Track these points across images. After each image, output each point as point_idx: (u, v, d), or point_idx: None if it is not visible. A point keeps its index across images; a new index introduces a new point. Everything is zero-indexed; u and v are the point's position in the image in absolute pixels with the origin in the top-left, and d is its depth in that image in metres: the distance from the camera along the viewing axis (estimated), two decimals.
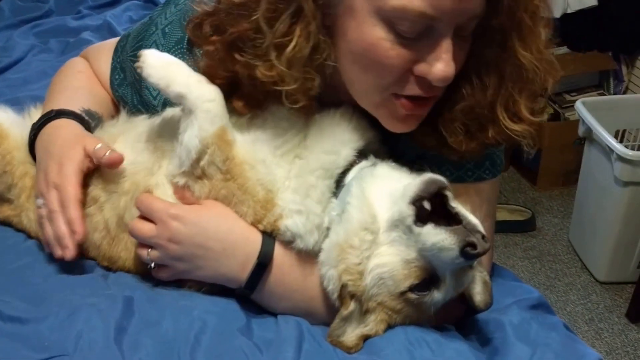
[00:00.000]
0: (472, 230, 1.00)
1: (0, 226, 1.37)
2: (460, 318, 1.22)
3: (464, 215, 1.02)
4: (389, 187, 1.11)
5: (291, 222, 1.12)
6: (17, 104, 1.53)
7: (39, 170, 1.27)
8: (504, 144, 1.23)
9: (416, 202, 1.02)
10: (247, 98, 1.17)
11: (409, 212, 1.02)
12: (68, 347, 1.01)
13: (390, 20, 1.01)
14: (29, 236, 1.33)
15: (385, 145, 1.27)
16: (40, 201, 1.24)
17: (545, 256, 3.15)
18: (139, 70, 1.15)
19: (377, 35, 1.03)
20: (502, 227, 3.20)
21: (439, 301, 1.08)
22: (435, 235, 1.00)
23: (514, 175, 3.68)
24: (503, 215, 3.26)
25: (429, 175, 1.04)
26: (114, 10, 2.52)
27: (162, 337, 1.04)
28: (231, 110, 1.19)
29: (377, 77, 1.08)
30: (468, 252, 0.99)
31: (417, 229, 1.02)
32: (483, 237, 1.00)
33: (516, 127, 1.15)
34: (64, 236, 1.18)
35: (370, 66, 1.07)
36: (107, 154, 1.21)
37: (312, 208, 1.13)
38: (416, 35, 1.03)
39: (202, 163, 1.13)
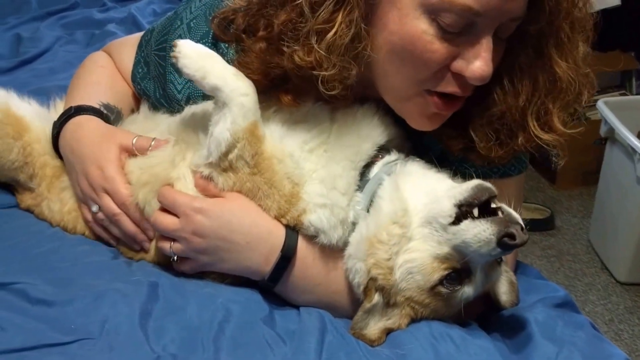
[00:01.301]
0: (512, 221, 1.00)
1: (25, 213, 1.38)
2: (480, 314, 1.22)
3: (504, 208, 1.03)
4: (424, 185, 1.11)
5: (315, 217, 1.12)
6: (44, 93, 1.54)
7: (75, 172, 1.28)
8: (534, 152, 1.21)
9: (462, 206, 1.02)
10: (294, 91, 1.17)
11: (451, 212, 1.02)
12: (94, 330, 1.01)
13: (435, 12, 1.01)
14: (51, 225, 1.34)
15: (409, 142, 1.26)
16: (95, 207, 1.25)
17: (564, 255, 3.12)
18: (173, 60, 1.14)
19: (419, 27, 1.03)
20: None
21: (469, 296, 1.08)
22: (474, 228, 1.00)
23: (532, 173, 3.64)
24: (521, 214, 3.23)
25: (479, 182, 1.04)
26: (138, 4, 2.54)
27: (186, 323, 1.05)
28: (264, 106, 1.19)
29: (414, 71, 1.08)
30: (506, 243, 0.99)
31: (453, 228, 1.02)
32: (522, 228, 1.00)
33: (547, 136, 1.15)
34: (137, 233, 1.23)
35: (408, 59, 1.07)
36: (153, 143, 1.24)
37: (338, 201, 1.12)
38: (458, 30, 1.02)
39: (230, 156, 1.12)
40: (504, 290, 1.17)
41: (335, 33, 1.04)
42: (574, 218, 3.37)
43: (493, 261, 1.09)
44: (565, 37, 1.10)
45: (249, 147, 1.12)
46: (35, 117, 1.40)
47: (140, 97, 1.47)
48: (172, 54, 1.14)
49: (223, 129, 1.11)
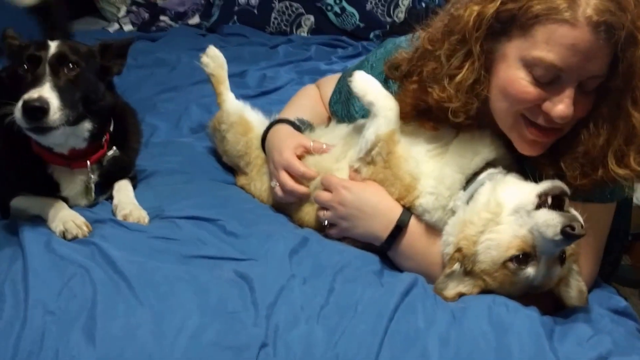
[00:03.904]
0: (574, 219, 1.20)
1: (239, 188, 1.82)
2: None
3: (572, 210, 1.23)
4: (518, 188, 1.33)
5: (424, 201, 1.39)
6: (270, 115, 1.97)
7: (268, 162, 1.68)
8: (610, 185, 1.35)
9: (542, 196, 1.25)
10: (434, 120, 1.45)
11: (533, 200, 1.25)
12: (259, 255, 1.38)
13: (530, 66, 1.26)
14: (253, 197, 1.76)
15: (517, 165, 1.46)
16: (274, 182, 1.63)
17: None
18: (349, 83, 1.52)
19: (518, 75, 1.28)
20: None
21: (529, 277, 1.26)
22: (546, 214, 1.22)
23: None
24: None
25: (557, 181, 1.27)
26: (355, 60, 2.94)
27: (318, 262, 1.37)
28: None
29: (513, 106, 1.32)
30: (567, 232, 1.18)
31: (533, 213, 1.24)
32: (582, 226, 1.19)
33: (620, 171, 1.30)
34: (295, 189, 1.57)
35: (509, 98, 1.31)
36: (324, 147, 1.60)
37: (442, 192, 1.39)
38: (547, 80, 1.26)
39: (373, 152, 1.45)
40: (572, 295, 1.33)
41: (462, 76, 1.33)
42: None
43: (555, 259, 1.26)
44: (639, 95, 1.26)
45: (385, 147, 1.43)
46: (259, 123, 1.83)
47: (332, 116, 1.84)
48: (348, 78, 1.52)
49: (371, 132, 1.44)
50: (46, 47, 1.44)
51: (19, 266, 1.26)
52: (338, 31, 3.35)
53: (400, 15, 3.33)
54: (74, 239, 1.39)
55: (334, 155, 1.58)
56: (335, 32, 3.35)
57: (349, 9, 3.32)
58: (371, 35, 3.32)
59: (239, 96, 2.21)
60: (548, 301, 1.34)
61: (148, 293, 1.21)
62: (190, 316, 1.17)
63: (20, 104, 1.34)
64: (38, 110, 1.33)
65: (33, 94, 1.34)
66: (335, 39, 3.28)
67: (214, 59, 1.91)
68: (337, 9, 3.32)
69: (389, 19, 3.32)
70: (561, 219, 1.19)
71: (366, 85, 1.50)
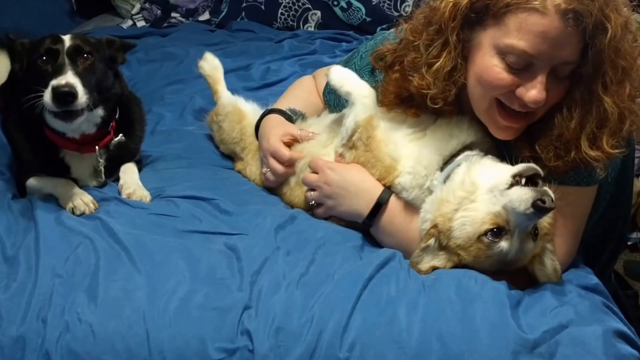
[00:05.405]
0: (545, 193, 1.31)
1: (237, 173, 1.97)
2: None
3: (543, 186, 1.34)
4: (493, 169, 1.44)
5: (402, 180, 1.52)
6: (269, 105, 2.10)
7: (260, 149, 1.83)
8: (583, 167, 1.45)
9: (516, 176, 1.36)
10: (416, 107, 1.58)
11: (508, 180, 1.36)
12: (249, 230, 1.53)
13: (503, 53, 1.38)
14: (249, 180, 1.90)
15: (497, 150, 1.57)
16: (265, 169, 1.78)
17: None
18: (326, 77, 1.66)
19: (493, 62, 1.40)
20: None
21: (503, 251, 1.36)
22: (519, 190, 1.33)
23: None
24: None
25: (531, 164, 1.37)
26: (361, 54, 3.08)
27: (301, 237, 1.51)
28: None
29: (489, 92, 1.44)
30: (538, 205, 1.29)
31: (506, 192, 1.35)
32: (552, 200, 1.30)
33: (592, 153, 1.40)
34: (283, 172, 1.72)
35: (485, 84, 1.43)
36: (310, 134, 1.74)
37: (419, 172, 1.51)
38: (520, 67, 1.37)
39: (354, 138, 1.59)
40: (546, 272, 1.44)
41: (440, 65, 1.45)
42: None
43: (528, 234, 1.37)
44: (609, 80, 1.36)
45: (365, 132, 1.57)
46: (252, 112, 2.00)
47: (326, 106, 1.99)
48: (326, 73, 1.67)
49: (351, 119, 1.59)
50: (61, 41, 1.62)
51: (31, 236, 1.45)
52: (345, 26, 3.48)
53: (407, 9, 3.42)
54: (82, 214, 1.57)
55: (321, 142, 1.73)
56: (342, 27, 3.47)
57: (355, 3, 3.45)
58: (378, 29, 3.30)
59: (243, 88, 2.39)
60: (524, 280, 1.45)
61: (145, 261, 1.38)
62: (182, 282, 1.33)
63: (49, 90, 1.52)
64: (68, 95, 1.51)
65: (60, 80, 1.52)
66: (341, 33, 3.41)
67: (209, 62, 2.18)
68: (343, 3, 3.45)
69: (395, 13, 3.43)
70: (532, 194, 1.30)
71: (342, 77, 1.65)
